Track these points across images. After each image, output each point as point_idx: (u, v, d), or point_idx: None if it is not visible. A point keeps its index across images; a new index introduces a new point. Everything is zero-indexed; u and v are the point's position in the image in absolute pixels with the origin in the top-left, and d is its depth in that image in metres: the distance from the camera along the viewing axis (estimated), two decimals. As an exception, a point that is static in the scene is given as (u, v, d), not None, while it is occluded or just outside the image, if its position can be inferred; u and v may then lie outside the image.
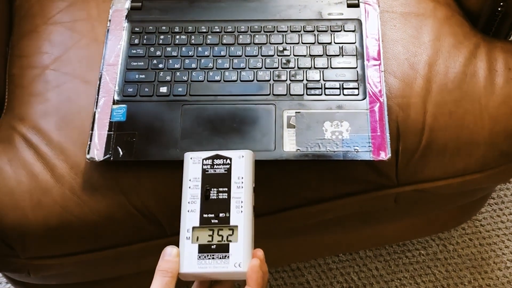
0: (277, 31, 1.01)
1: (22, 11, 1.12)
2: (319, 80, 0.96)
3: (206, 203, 0.77)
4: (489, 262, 1.54)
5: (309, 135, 0.91)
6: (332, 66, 0.97)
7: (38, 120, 0.98)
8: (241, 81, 0.96)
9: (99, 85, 0.97)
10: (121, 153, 0.91)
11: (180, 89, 0.96)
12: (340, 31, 1.00)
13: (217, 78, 0.97)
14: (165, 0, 1.05)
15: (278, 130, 0.92)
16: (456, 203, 1.27)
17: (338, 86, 0.95)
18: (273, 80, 0.96)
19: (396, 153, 0.97)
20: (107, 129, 0.93)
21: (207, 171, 0.79)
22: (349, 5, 1.03)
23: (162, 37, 1.01)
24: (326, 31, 1.00)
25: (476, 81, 0.99)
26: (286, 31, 1.01)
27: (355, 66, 0.97)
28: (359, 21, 1.01)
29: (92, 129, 0.93)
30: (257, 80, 0.96)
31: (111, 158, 0.91)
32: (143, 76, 0.98)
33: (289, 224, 1.06)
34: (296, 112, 0.93)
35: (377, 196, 1.02)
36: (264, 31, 1.01)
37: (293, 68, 0.97)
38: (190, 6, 1.05)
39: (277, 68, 0.97)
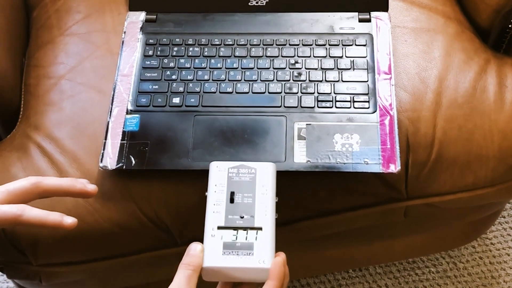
0: (289, 44, 1.02)
1: (39, 22, 1.14)
2: (330, 93, 0.97)
3: (231, 206, 0.79)
4: (499, 281, 1.54)
5: (319, 147, 0.92)
6: (343, 80, 0.98)
7: (52, 129, 1.00)
8: (253, 93, 0.97)
9: (113, 95, 0.98)
10: (133, 162, 0.92)
11: (192, 100, 0.97)
12: (351, 45, 1.01)
13: (229, 89, 0.98)
14: (179, 13, 1.07)
15: (289, 141, 0.93)
16: (466, 219, 1.27)
17: (349, 99, 0.96)
18: (285, 93, 0.97)
19: (406, 166, 0.97)
20: (120, 138, 0.94)
21: (233, 178, 0.81)
22: (360, 20, 1.04)
23: (175, 49, 1.03)
24: (338, 45, 1.01)
25: (486, 97, 1.00)
26: (298, 45, 1.02)
27: (366, 80, 0.98)
28: (370, 35, 1.02)
29: (106, 138, 0.94)
30: (269, 92, 0.97)
31: (124, 167, 0.92)
32: (157, 86, 0.99)
33: (298, 236, 1.07)
34: (307, 124, 0.94)
35: (386, 209, 1.02)
36: (276, 44, 1.02)
37: (304, 81, 0.98)
38: (204, 19, 1.06)
39: (289, 80, 0.98)
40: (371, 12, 1.05)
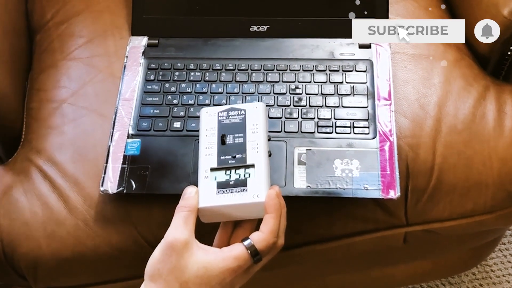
0: (290, 70, 1.03)
1: (42, 46, 1.15)
2: (330, 119, 0.97)
3: (223, 147, 0.82)
4: (500, 308, 1.53)
5: (319, 172, 0.92)
6: (343, 105, 0.98)
7: (54, 152, 1.00)
8: (254, 118, 0.98)
9: (115, 119, 0.99)
10: (134, 186, 0.92)
11: (193, 125, 0.97)
12: (351, 71, 1.02)
13: (230, 114, 0.98)
14: (181, 38, 1.08)
15: (289, 166, 0.93)
16: (466, 245, 1.27)
17: (349, 125, 0.96)
18: (285, 118, 0.98)
19: (406, 192, 0.98)
20: (121, 162, 0.95)
21: (223, 121, 0.84)
22: (360, 46, 1.05)
23: (177, 73, 1.03)
24: (338, 70, 1.02)
25: (485, 123, 1.00)
26: (299, 70, 1.03)
27: (366, 106, 0.98)
28: (370, 61, 1.03)
29: (107, 162, 0.95)
30: (269, 117, 0.97)
31: (124, 191, 0.92)
32: (158, 111, 0.99)
33: (297, 262, 1.07)
34: (307, 149, 0.94)
35: (386, 236, 1.02)
36: (277, 70, 1.03)
37: (304, 106, 0.99)
38: (205, 44, 1.07)
39: (289, 106, 0.99)
40: (371, 39, 1.06)
